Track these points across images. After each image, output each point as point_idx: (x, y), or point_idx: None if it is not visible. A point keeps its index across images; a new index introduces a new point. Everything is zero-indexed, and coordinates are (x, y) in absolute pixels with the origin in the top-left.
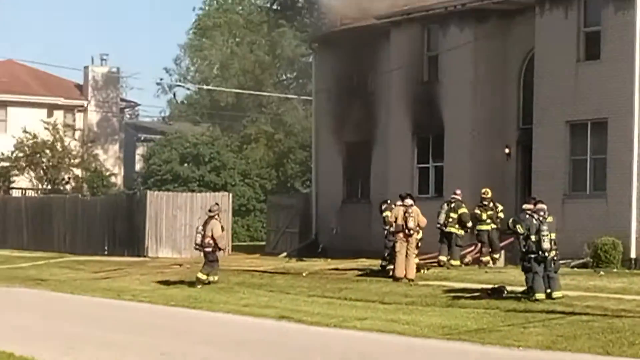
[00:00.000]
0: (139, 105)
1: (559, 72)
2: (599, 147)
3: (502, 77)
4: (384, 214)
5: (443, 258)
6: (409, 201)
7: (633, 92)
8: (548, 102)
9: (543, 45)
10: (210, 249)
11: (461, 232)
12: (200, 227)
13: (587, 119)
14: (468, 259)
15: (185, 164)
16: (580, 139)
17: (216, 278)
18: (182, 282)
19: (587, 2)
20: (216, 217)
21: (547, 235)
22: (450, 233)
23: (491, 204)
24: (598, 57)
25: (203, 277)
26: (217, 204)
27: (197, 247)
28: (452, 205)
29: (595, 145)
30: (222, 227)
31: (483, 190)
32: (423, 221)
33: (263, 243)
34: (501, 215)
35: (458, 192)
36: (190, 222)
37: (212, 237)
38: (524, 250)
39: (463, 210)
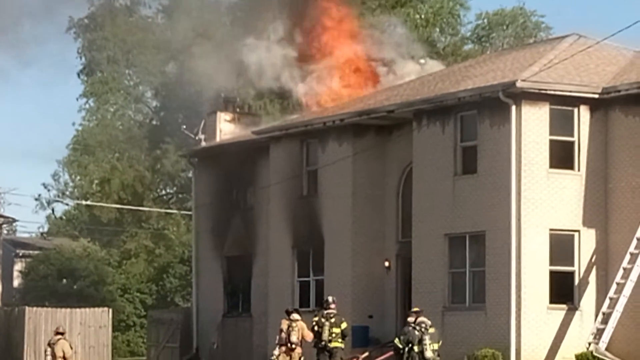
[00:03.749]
0: (17, 221)
1: (436, 185)
2: (478, 260)
3: (381, 190)
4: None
5: None
6: (295, 316)
7: (509, 205)
8: (426, 215)
9: (420, 159)
10: None
11: (343, 346)
12: (49, 349)
13: (465, 232)
14: None
15: (64, 280)
16: (458, 252)
17: None
18: None
19: (463, 117)
20: (64, 337)
21: (430, 344)
22: (335, 348)
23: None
24: (475, 171)
25: None
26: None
27: None
28: (333, 320)
29: (474, 257)
30: (70, 346)
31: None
32: (309, 336)
33: (144, 358)
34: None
35: (333, 305)
36: (70, 338)
37: (64, 357)
38: None
39: (345, 324)
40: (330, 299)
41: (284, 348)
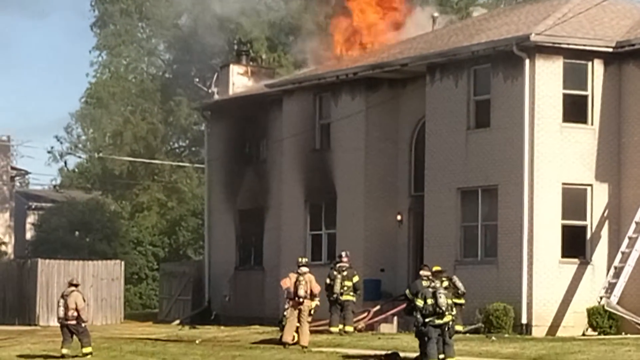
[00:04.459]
0: (30, 173)
1: (449, 139)
2: (490, 214)
3: (394, 144)
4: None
5: (335, 329)
6: (303, 269)
7: (522, 159)
8: (439, 169)
9: (434, 113)
10: (74, 322)
11: (354, 299)
12: (62, 300)
13: (477, 186)
14: (361, 325)
15: (76, 232)
16: (471, 206)
17: (90, 349)
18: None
19: (477, 71)
20: (78, 289)
21: (444, 294)
22: (346, 301)
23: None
24: (488, 125)
25: (67, 351)
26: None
27: (61, 320)
28: (345, 273)
29: (486, 211)
30: (83, 298)
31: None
32: (317, 288)
33: (156, 311)
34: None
35: (345, 259)
36: (83, 290)
37: (76, 309)
38: (421, 313)
39: (357, 278)
40: (342, 253)
41: (292, 302)
